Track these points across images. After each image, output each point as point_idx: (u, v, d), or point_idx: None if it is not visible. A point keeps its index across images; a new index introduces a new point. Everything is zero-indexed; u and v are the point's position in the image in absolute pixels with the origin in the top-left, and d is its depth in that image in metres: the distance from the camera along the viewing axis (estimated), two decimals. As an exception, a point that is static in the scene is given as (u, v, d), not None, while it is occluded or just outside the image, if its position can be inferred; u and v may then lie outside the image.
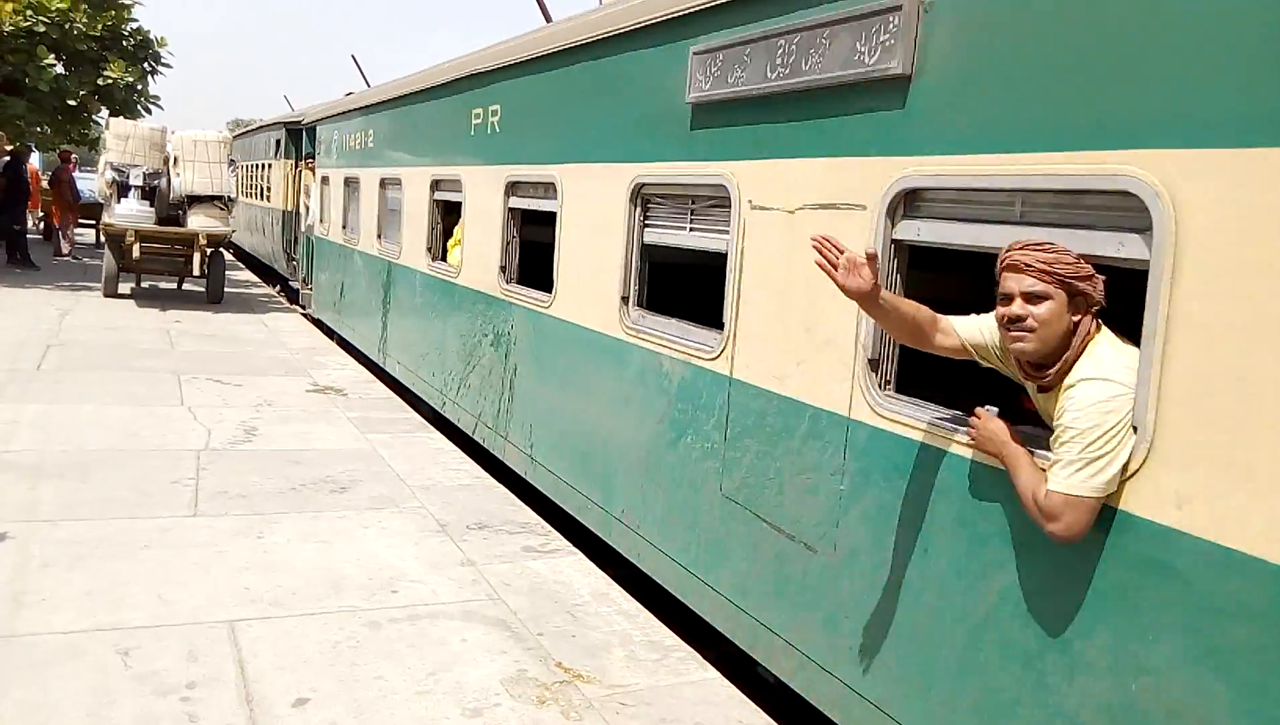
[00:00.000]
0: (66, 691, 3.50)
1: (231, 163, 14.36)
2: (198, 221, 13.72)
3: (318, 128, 13.54)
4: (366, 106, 10.74)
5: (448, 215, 8.27)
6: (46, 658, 3.73)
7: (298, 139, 15.70)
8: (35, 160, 22.01)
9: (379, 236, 10.03)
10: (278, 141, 17.38)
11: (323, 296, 13.25)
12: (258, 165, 20.31)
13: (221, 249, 14.87)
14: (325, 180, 12.91)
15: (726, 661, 4.36)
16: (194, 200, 13.83)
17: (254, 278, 20.29)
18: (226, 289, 15.08)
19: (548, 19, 7.77)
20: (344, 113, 11.86)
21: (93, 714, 3.38)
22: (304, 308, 14.81)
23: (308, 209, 14.19)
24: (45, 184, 20.88)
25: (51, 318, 11.76)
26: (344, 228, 11.73)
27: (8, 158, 18.75)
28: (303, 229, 14.74)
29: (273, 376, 9.58)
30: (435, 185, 8.16)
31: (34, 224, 21.68)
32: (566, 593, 4.90)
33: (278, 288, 18.76)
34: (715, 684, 4.10)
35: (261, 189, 19.59)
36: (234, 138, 23.18)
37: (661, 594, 4.81)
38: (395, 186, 9.50)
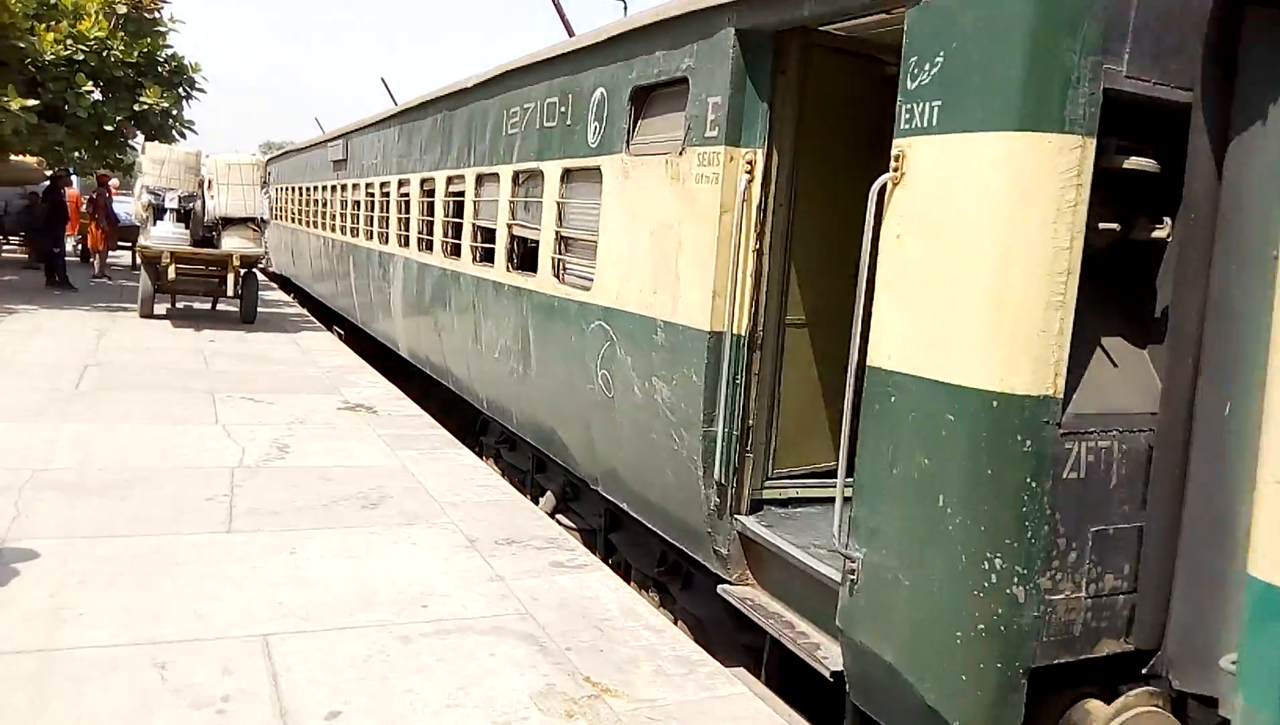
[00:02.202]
0: (105, 704, 3.58)
1: (264, 184, 14.59)
2: (232, 243, 13.94)
3: None
4: None
5: None
6: (85, 671, 3.81)
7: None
8: (75, 184, 22.56)
9: None
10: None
11: None
12: (523, 176, 7.32)
13: (255, 270, 15.09)
14: None
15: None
16: (228, 222, 14.07)
17: (286, 297, 20.45)
18: (259, 309, 15.30)
19: (570, 33, 7.86)
20: None
21: (131, 726, 3.45)
22: None
23: None
24: (84, 208, 21.37)
25: (89, 338, 11.99)
26: None
27: (47, 182, 19.23)
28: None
29: (305, 394, 9.70)
30: None
31: (72, 247, 22.16)
32: (595, 608, 4.92)
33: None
34: (743, 699, 4.10)
35: (516, 242, 7.43)
36: (397, 113, 11.34)
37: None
38: None
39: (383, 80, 16.70)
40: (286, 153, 22.78)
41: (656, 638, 4.61)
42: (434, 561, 5.36)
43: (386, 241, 11.57)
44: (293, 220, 20.45)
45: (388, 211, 11.48)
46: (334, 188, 15.25)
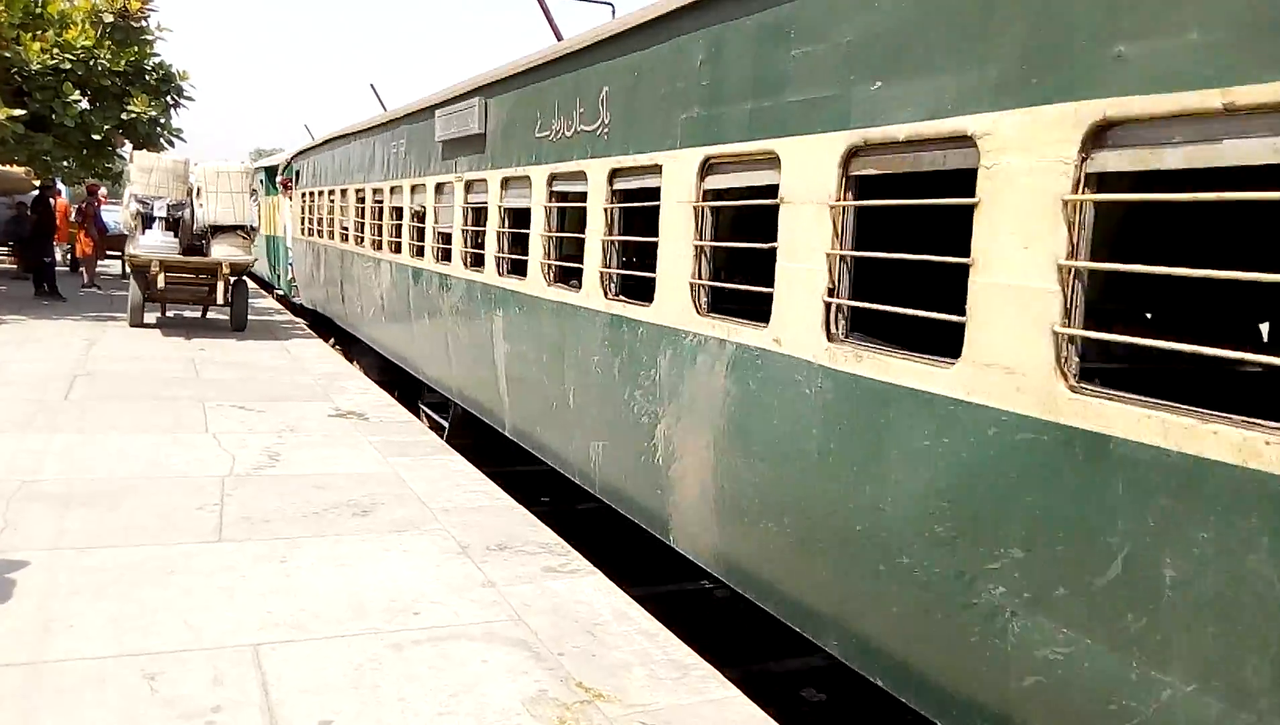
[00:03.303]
0: (95, 717, 3.55)
1: (253, 192, 14.57)
2: (221, 251, 13.93)
3: None
4: None
5: None
6: (75, 684, 3.78)
7: None
8: (64, 194, 22.49)
9: None
10: None
11: None
12: None
13: (245, 277, 15.06)
14: None
15: (748, 681, 4.36)
16: (217, 230, 14.05)
17: (276, 305, 20.32)
18: (249, 317, 15.26)
19: (559, 37, 7.85)
20: None
21: (120, 738, 3.43)
22: None
23: None
24: (73, 217, 21.32)
25: (79, 348, 11.93)
26: None
27: (36, 192, 19.18)
28: None
29: (295, 402, 9.67)
30: None
31: (61, 256, 22.10)
32: (587, 612, 4.91)
33: None
34: (736, 702, 4.10)
35: None
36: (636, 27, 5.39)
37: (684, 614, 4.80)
38: None
39: (372, 86, 16.61)
40: (331, 140, 15.34)
41: (649, 642, 4.61)
42: (425, 568, 5.34)
43: (651, 298, 5.36)
44: (343, 238, 13.96)
45: (631, 230, 5.95)
46: (442, 188, 9.25)
